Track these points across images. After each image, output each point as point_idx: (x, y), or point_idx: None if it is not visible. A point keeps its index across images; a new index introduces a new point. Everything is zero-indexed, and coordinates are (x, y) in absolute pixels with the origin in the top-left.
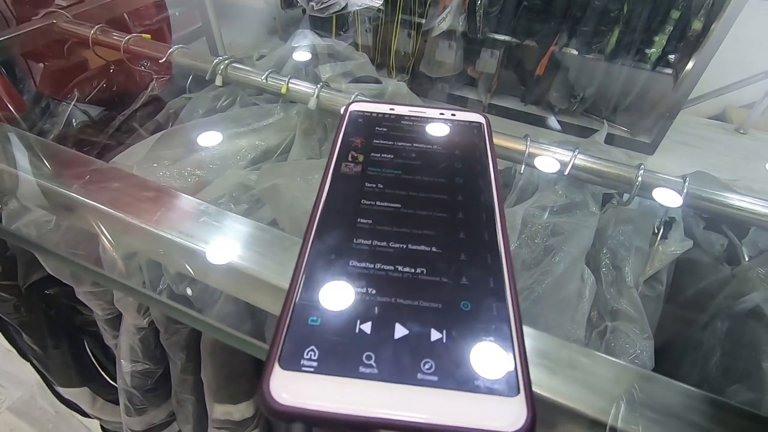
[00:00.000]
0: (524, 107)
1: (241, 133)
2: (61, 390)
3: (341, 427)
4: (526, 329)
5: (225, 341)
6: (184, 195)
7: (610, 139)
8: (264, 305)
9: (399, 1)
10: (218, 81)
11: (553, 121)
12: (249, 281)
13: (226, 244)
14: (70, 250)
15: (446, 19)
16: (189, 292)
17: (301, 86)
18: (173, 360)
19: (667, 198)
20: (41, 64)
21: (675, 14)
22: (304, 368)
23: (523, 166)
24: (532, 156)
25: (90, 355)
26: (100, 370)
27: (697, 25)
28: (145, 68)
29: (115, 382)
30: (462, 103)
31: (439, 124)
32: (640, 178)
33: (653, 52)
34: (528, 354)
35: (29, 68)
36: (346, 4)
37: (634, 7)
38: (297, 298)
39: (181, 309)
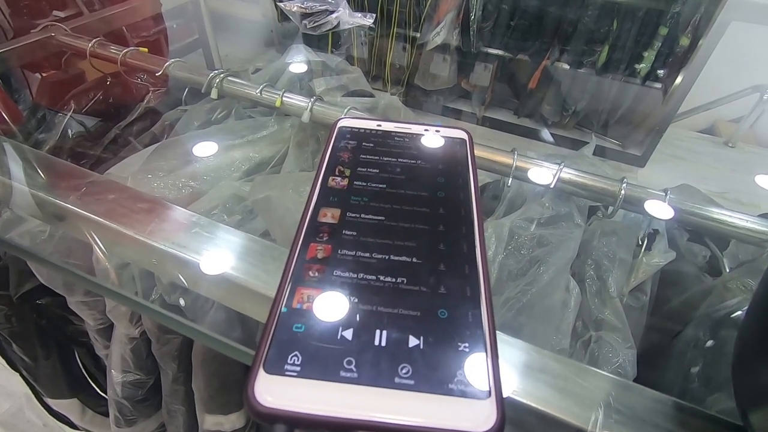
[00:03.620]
0: (518, 120)
1: (235, 145)
2: (50, 401)
3: (322, 428)
4: (511, 338)
5: (217, 349)
6: (177, 206)
7: (601, 152)
8: (253, 314)
9: (394, 16)
10: (214, 94)
11: (546, 133)
12: (239, 290)
13: (217, 254)
14: (63, 259)
15: (440, 34)
16: (182, 302)
17: (295, 100)
18: (164, 370)
19: (659, 211)
20: (38, 75)
21: (663, 31)
22: (287, 372)
23: (510, 179)
24: (519, 169)
25: (80, 366)
26: (90, 381)
27: (684, 41)
28: (141, 81)
29: (105, 394)
30: (456, 116)
31: (423, 140)
32: (623, 191)
33: (643, 67)
34: (512, 362)
35: (26, 78)
36: (339, 23)
37: (624, 23)
38: (282, 306)
39: (173, 317)
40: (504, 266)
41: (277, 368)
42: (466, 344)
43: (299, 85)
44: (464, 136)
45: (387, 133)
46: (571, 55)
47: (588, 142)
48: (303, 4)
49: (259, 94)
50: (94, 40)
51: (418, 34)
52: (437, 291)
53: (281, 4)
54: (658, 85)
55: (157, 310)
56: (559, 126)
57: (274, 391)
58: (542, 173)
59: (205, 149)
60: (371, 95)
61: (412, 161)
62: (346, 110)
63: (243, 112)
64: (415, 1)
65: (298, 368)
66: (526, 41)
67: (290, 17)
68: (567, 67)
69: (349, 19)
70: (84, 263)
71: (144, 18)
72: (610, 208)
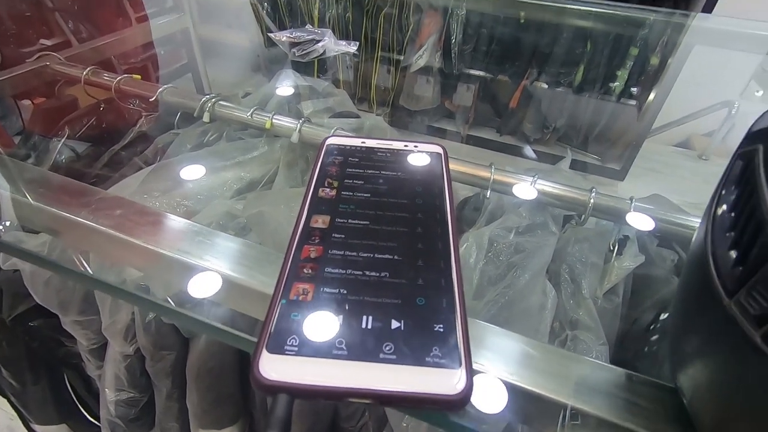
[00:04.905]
0: (500, 138)
1: (227, 166)
2: (38, 428)
3: (317, 397)
4: (484, 323)
5: (223, 340)
6: (179, 218)
7: (583, 167)
8: (253, 312)
9: (378, 40)
10: (206, 118)
11: (528, 150)
12: (240, 290)
13: (219, 258)
14: (60, 284)
15: (423, 56)
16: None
17: (284, 121)
18: (158, 387)
19: (640, 222)
20: (26, 101)
21: (634, 51)
22: (287, 352)
23: (489, 192)
24: (497, 182)
25: (70, 390)
26: (79, 406)
27: (654, 60)
28: (134, 106)
29: (95, 420)
30: (441, 135)
31: (403, 154)
32: (592, 201)
33: (617, 85)
34: (482, 341)
35: (16, 105)
36: (324, 51)
37: (596, 45)
38: (281, 298)
39: (179, 311)
40: (484, 272)
41: (278, 349)
42: (441, 325)
43: (287, 108)
44: (440, 150)
45: (370, 149)
46: (548, 75)
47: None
48: (291, 35)
49: (249, 117)
50: (88, 69)
51: (402, 57)
52: (416, 283)
53: (271, 35)
54: (633, 102)
55: (165, 306)
56: (540, 143)
57: (277, 368)
58: (519, 186)
59: (197, 170)
60: (357, 116)
61: (393, 173)
62: (333, 130)
63: (234, 135)
64: (398, 26)
65: (296, 348)
66: (504, 63)
67: (280, 46)
68: (545, 86)
69: (334, 47)
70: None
71: (134, 47)
72: (583, 216)
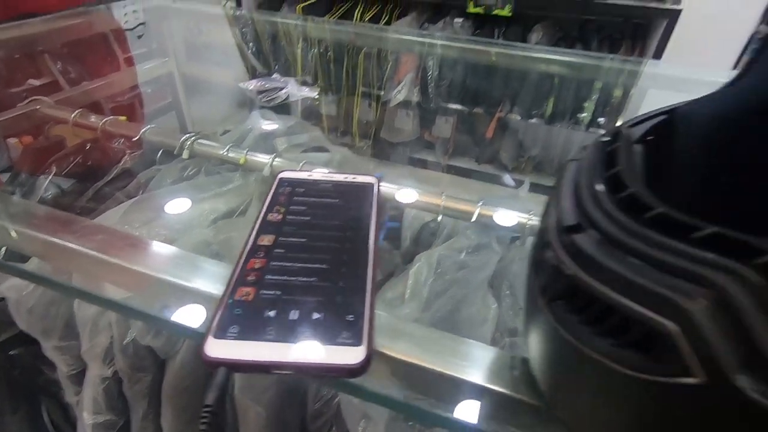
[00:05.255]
0: (479, 167)
1: (205, 198)
2: None
3: (249, 369)
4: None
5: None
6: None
7: None
8: None
9: (359, 77)
10: (185, 155)
11: (507, 178)
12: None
13: (198, 277)
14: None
15: (402, 91)
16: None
17: (258, 157)
18: (135, 409)
19: None
20: (14, 140)
21: (598, 84)
22: (228, 337)
23: (440, 216)
24: (448, 208)
25: (47, 420)
26: None
27: (617, 92)
28: (119, 145)
29: None
30: (422, 165)
31: (341, 185)
32: (529, 223)
33: (585, 116)
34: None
35: (4, 143)
36: (288, 96)
37: (563, 81)
38: (228, 298)
39: (168, 320)
40: (433, 288)
41: (221, 335)
42: (351, 316)
43: (264, 144)
44: (373, 181)
45: (315, 181)
46: (520, 108)
47: (546, 185)
48: (258, 84)
49: (226, 153)
50: (76, 111)
51: (382, 92)
52: (337, 285)
53: (240, 84)
54: (602, 131)
55: (163, 318)
56: (517, 171)
57: (219, 349)
58: (467, 211)
59: (176, 202)
60: (327, 151)
61: (331, 200)
62: (301, 164)
63: (212, 169)
64: (377, 64)
65: (236, 334)
66: (479, 97)
67: (249, 94)
68: (519, 118)
69: (296, 92)
70: (66, 311)
71: (122, 89)
72: (521, 237)
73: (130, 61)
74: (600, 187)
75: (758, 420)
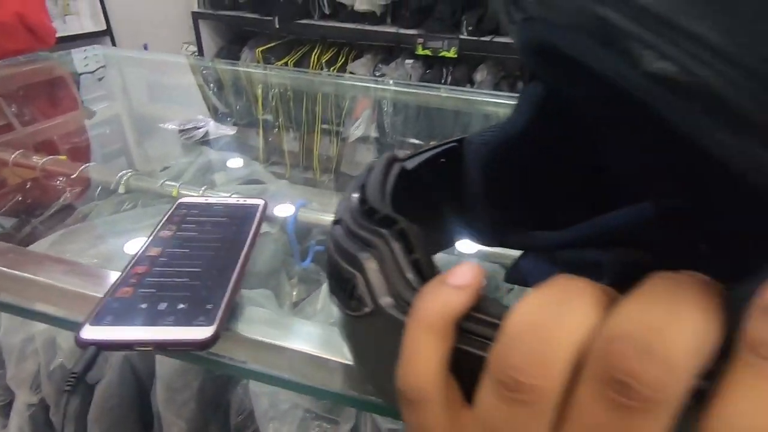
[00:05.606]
0: None
1: (137, 228)
2: None
3: (116, 348)
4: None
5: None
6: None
7: None
8: None
9: (318, 115)
10: (121, 189)
11: None
12: None
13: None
14: None
15: (360, 127)
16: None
17: (189, 190)
18: None
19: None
20: None
21: None
22: (103, 323)
23: None
24: None
25: None
26: None
27: None
28: (60, 183)
29: None
30: None
31: (232, 206)
32: None
33: None
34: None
35: None
36: (206, 133)
37: (504, 115)
38: (107, 296)
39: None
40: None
41: (96, 323)
42: (211, 305)
43: (202, 179)
44: (260, 203)
45: (209, 204)
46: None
47: None
48: (177, 125)
49: (159, 187)
50: (16, 152)
51: (341, 129)
52: (206, 284)
53: (160, 125)
54: None
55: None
56: None
57: (92, 333)
58: None
59: (109, 232)
60: (263, 183)
61: (220, 218)
62: (230, 195)
63: (148, 203)
64: (335, 102)
65: (110, 321)
66: (434, 131)
67: (169, 132)
68: None
69: (215, 130)
70: None
71: (73, 129)
72: None
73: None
74: (354, 195)
75: (397, 329)
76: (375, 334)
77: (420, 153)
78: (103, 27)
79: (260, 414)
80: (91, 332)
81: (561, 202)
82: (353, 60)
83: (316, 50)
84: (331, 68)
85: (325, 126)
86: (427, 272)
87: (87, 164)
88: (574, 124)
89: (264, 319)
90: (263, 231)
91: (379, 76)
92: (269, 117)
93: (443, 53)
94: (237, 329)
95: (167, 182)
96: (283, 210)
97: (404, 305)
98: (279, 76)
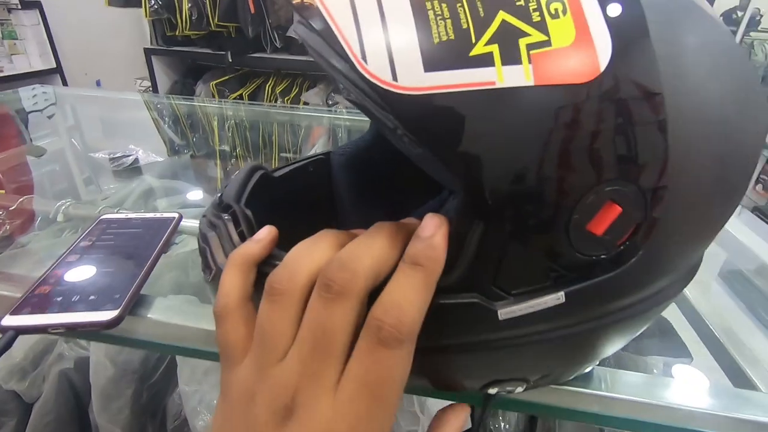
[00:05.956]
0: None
1: None
2: None
3: (32, 331)
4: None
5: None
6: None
7: None
8: None
9: (275, 142)
10: (60, 218)
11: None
12: None
13: None
14: None
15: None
16: (18, 387)
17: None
18: None
19: None
20: None
21: None
22: (22, 313)
23: None
24: None
25: None
26: None
27: None
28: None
29: None
30: None
31: (150, 219)
32: None
33: None
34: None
35: None
36: (136, 160)
37: None
38: (28, 293)
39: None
40: None
41: (16, 312)
42: (118, 295)
43: (144, 205)
44: (174, 216)
45: (128, 219)
46: None
47: None
48: (107, 153)
49: (98, 212)
50: None
51: (299, 155)
52: (116, 280)
53: (91, 154)
54: None
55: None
56: None
57: (11, 321)
58: None
59: (48, 256)
60: (202, 206)
61: (136, 229)
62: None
63: None
64: (291, 131)
65: (28, 311)
66: None
67: (101, 161)
68: None
69: (144, 157)
70: None
71: (10, 166)
72: None
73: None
74: (217, 195)
75: None
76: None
77: (290, 164)
78: (53, 65)
79: (189, 410)
80: (9, 321)
81: (402, 197)
82: (307, 90)
83: (270, 82)
84: (286, 98)
85: (282, 154)
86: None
87: (26, 197)
88: None
89: (166, 305)
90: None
91: (332, 105)
92: (226, 148)
93: None
94: (142, 314)
95: (106, 208)
96: None
97: None
98: (234, 109)
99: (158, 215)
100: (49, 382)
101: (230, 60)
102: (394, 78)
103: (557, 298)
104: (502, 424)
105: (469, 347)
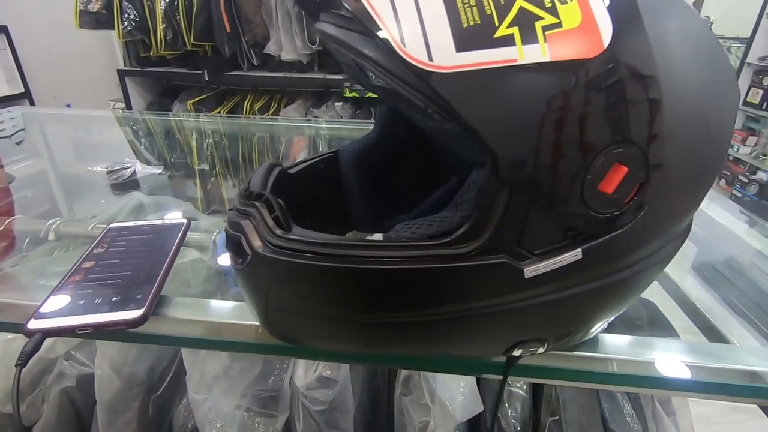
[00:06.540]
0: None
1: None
2: None
3: (59, 333)
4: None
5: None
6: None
7: None
8: None
9: (255, 159)
10: (51, 236)
11: None
12: None
13: None
14: None
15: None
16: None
17: None
18: None
19: None
20: None
21: None
22: (46, 317)
23: None
24: None
25: None
26: None
27: None
28: None
29: None
30: None
31: (158, 225)
32: None
33: None
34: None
35: None
36: (134, 173)
37: None
38: (50, 296)
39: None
40: None
41: (41, 316)
42: (140, 295)
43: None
44: (183, 222)
45: (137, 226)
46: None
47: None
48: (105, 166)
49: (90, 230)
50: None
51: None
52: (136, 281)
53: (89, 168)
54: None
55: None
56: None
57: (38, 324)
58: None
59: (41, 275)
60: (195, 219)
61: (147, 235)
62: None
63: (80, 246)
64: (271, 145)
65: (53, 314)
66: None
67: (98, 175)
68: None
69: (142, 170)
70: None
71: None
72: None
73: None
74: (242, 187)
75: (269, 265)
76: (258, 274)
77: (302, 162)
78: (21, 90)
79: (200, 418)
80: (36, 324)
81: (410, 189)
82: (285, 106)
83: (248, 99)
84: (264, 115)
85: None
86: (284, 224)
87: (15, 217)
88: (408, 129)
89: (188, 303)
90: (195, 258)
91: (311, 119)
92: (205, 167)
93: (369, 94)
94: (166, 313)
95: (99, 225)
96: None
97: (271, 247)
98: (212, 123)
99: (166, 222)
100: (50, 402)
101: (207, 79)
102: (430, 58)
103: (575, 254)
104: (509, 411)
105: (497, 307)
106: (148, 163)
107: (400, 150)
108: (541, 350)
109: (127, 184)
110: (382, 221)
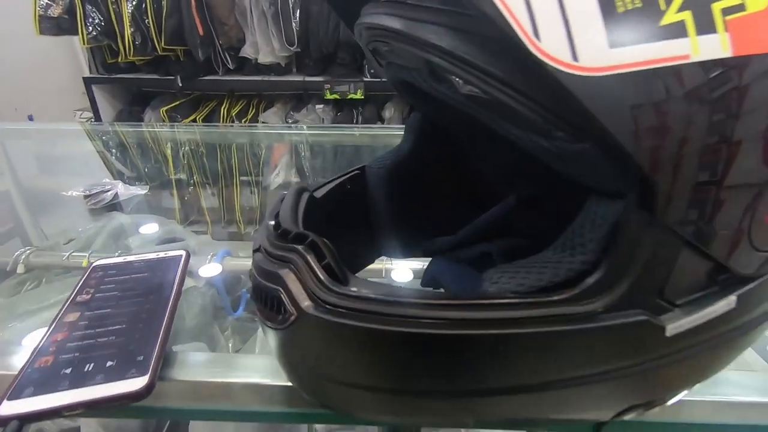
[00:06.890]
0: None
1: (42, 308)
2: None
3: (42, 417)
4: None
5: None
6: None
7: None
8: None
9: (235, 167)
10: (20, 269)
11: None
12: None
13: None
14: None
15: (279, 175)
16: None
17: (102, 258)
18: None
19: None
20: None
21: None
22: (22, 396)
23: None
24: None
25: None
26: None
27: None
28: None
29: None
30: None
31: (153, 261)
32: None
33: None
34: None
35: None
36: (116, 195)
37: None
38: (26, 368)
39: None
40: None
41: (15, 396)
42: (142, 357)
43: (114, 245)
44: (181, 254)
45: (128, 262)
46: None
47: None
48: (82, 190)
49: (66, 259)
50: None
51: (261, 178)
52: (133, 338)
53: (63, 192)
54: None
55: None
56: None
57: (11, 408)
58: None
59: (8, 315)
60: (182, 240)
61: (140, 274)
62: (117, 252)
63: (54, 279)
64: (251, 152)
65: (30, 392)
66: (351, 167)
67: (74, 200)
68: None
69: (124, 191)
70: None
71: None
72: None
73: None
74: (270, 223)
75: (320, 328)
76: (304, 339)
77: (327, 183)
78: None
79: None
80: (9, 408)
81: (450, 209)
82: (264, 110)
83: (224, 104)
84: (243, 120)
85: (243, 177)
86: (339, 274)
87: None
88: (448, 141)
89: (200, 361)
90: (189, 286)
91: (291, 123)
92: (182, 176)
93: (351, 96)
94: (174, 376)
95: (75, 253)
96: (207, 268)
97: (323, 306)
98: (189, 132)
99: (162, 255)
100: None
101: (180, 84)
102: (575, 57)
103: (728, 303)
104: None
105: (620, 372)
106: (124, 178)
107: (437, 164)
108: (656, 409)
109: (108, 209)
110: (416, 244)
